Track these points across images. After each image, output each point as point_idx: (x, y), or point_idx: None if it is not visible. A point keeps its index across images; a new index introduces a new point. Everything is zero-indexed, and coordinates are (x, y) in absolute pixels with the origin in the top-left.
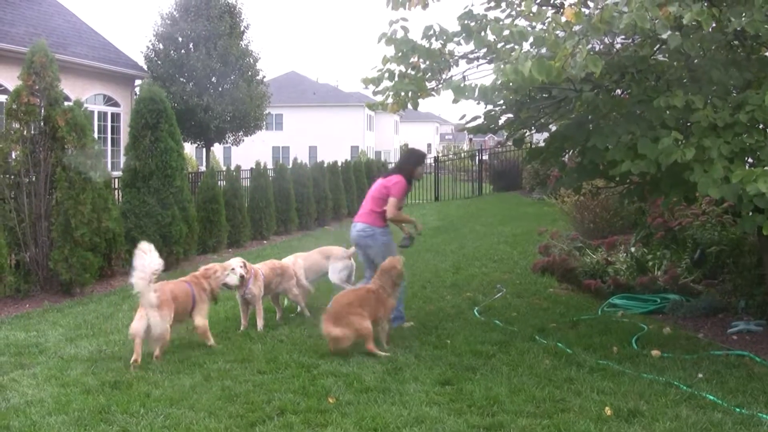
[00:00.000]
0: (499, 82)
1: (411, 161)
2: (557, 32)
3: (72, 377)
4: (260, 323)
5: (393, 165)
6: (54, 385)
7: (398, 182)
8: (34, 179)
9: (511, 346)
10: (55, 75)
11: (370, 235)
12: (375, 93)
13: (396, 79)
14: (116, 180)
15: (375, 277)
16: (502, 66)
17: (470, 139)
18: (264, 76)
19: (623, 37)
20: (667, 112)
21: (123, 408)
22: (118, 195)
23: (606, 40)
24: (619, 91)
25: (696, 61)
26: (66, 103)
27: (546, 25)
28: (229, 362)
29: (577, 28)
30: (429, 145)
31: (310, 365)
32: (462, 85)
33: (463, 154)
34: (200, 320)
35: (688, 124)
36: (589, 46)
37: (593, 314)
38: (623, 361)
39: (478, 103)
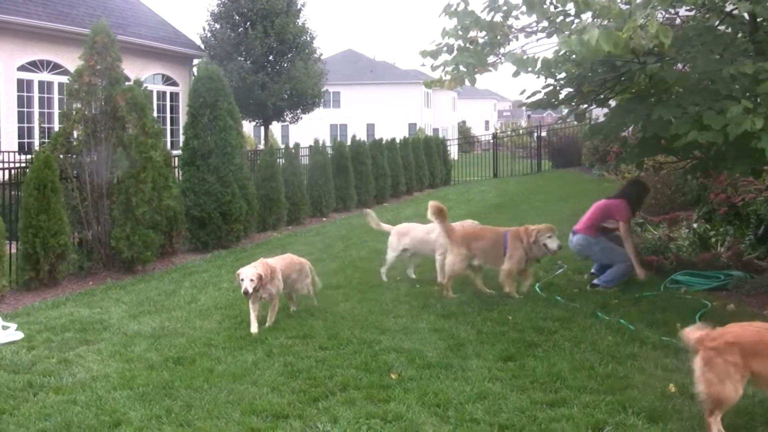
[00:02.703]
0: (561, 53)
1: (636, 189)
2: (620, 4)
3: (136, 353)
4: (272, 318)
5: (618, 191)
6: (118, 361)
7: (622, 207)
8: (95, 158)
9: (573, 322)
10: (117, 55)
11: (585, 246)
12: (433, 67)
13: (455, 52)
14: (176, 158)
15: None
16: (566, 37)
17: (528, 116)
18: (321, 54)
19: (686, 8)
20: (736, 85)
21: (186, 383)
22: (178, 173)
23: (671, 11)
24: (680, 65)
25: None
26: (126, 83)
27: None
28: (291, 338)
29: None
30: (486, 122)
31: (371, 341)
32: (524, 57)
33: (521, 131)
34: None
35: (756, 97)
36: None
37: (655, 291)
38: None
39: (538, 77)
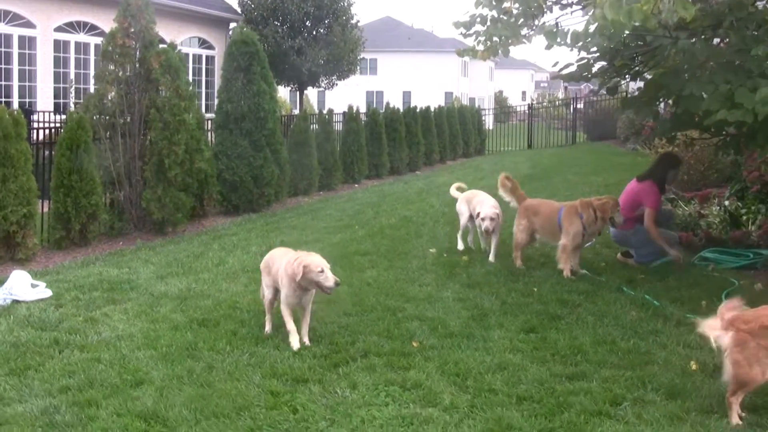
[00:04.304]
0: (591, 28)
1: (664, 167)
2: None
3: (161, 314)
4: (307, 328)
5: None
6: (144, 321)
7: (651, 192)
8: (128, 120)
9: (598, 296)
10: (151, 17)
11: (622, 240)
12: (466, 36)
13: (488, 23)
14: (209, 122)
15: None
16: (593, 11)
17: (566, 88)
18: (358, 21)
19: None
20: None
21: (209, 345)
22: (211, 137)
23: None
24: (717, 40)
25: None
26: (161, 46)
27: None
28: (315, 303)
29: None
30: (524, 93)
31: (395, 308)
32: (555, 30)
33: (557, 102)
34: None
35: None
36: None
37: (686, 264)
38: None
39: (572, 50)
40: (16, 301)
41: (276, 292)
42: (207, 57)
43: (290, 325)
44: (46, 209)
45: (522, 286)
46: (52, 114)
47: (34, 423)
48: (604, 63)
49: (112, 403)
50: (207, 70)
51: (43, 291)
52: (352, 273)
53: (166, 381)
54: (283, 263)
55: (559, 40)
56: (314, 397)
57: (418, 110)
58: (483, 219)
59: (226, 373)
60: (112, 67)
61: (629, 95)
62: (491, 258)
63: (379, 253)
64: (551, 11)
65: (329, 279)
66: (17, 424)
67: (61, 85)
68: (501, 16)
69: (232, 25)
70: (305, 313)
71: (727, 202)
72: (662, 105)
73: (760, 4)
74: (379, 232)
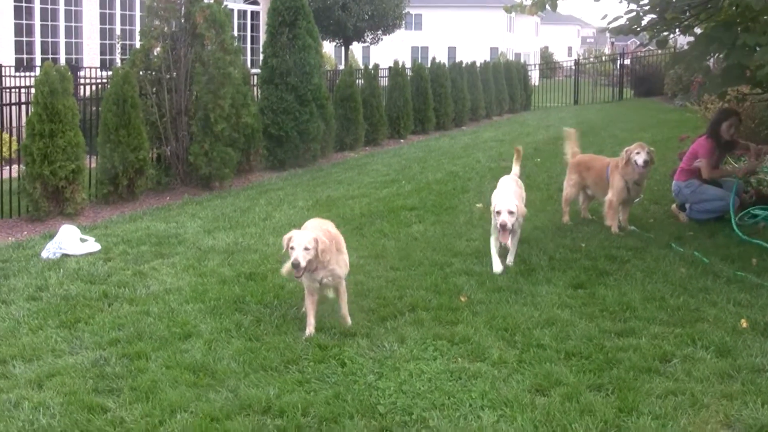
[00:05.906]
0: None
1: (715, 119)
2: None
3: (209, 268)
4: (344, 307)
5: None
6: (191, 275)
7: (702, 144)
8: (174, 75)
9: (647, 252)
10: None
11: (677, 192)
12: None
13: None
14: (254, 77)
15: None
16: None
17: (612, 43)
18: None
19: None
20: None
21: (257, 299)
22: (257, 92)
23: None
24: None
25: None
26: (206, 1)
27: None
28: (363, 258)
29: None
30: (570, 48)
31: (443, 263)
32: None
33: (604, 58)
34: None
35: None
36: None
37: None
38: (762, 274)
39: (621, 2)
40: (65, 255)
41: None
42: (252, 12)
43: (310, 318)
44: (93, 165)
45: (569, 242)
46: (98, 70)
47: (85, 374)
48: (653, 16)
49: (161, 355)
50: (252, 25)
51: (92, 245)
52: (399, 228)
53: (214, 334)
54: None
55: None
56: (362, 351)
57: (463, 65)
58: (498, 212)
59: (273, 326)
60: (157, 23)
61: (677, 50)
62: (509, 260)
63: (426, 207)
64: None
65: (291, 258)
66: (68, 375)
67: (107, 42)
68: None
69: None
70: (338, 294)
71: None
72: (711, 61)
73: None
74: (426, 187)
